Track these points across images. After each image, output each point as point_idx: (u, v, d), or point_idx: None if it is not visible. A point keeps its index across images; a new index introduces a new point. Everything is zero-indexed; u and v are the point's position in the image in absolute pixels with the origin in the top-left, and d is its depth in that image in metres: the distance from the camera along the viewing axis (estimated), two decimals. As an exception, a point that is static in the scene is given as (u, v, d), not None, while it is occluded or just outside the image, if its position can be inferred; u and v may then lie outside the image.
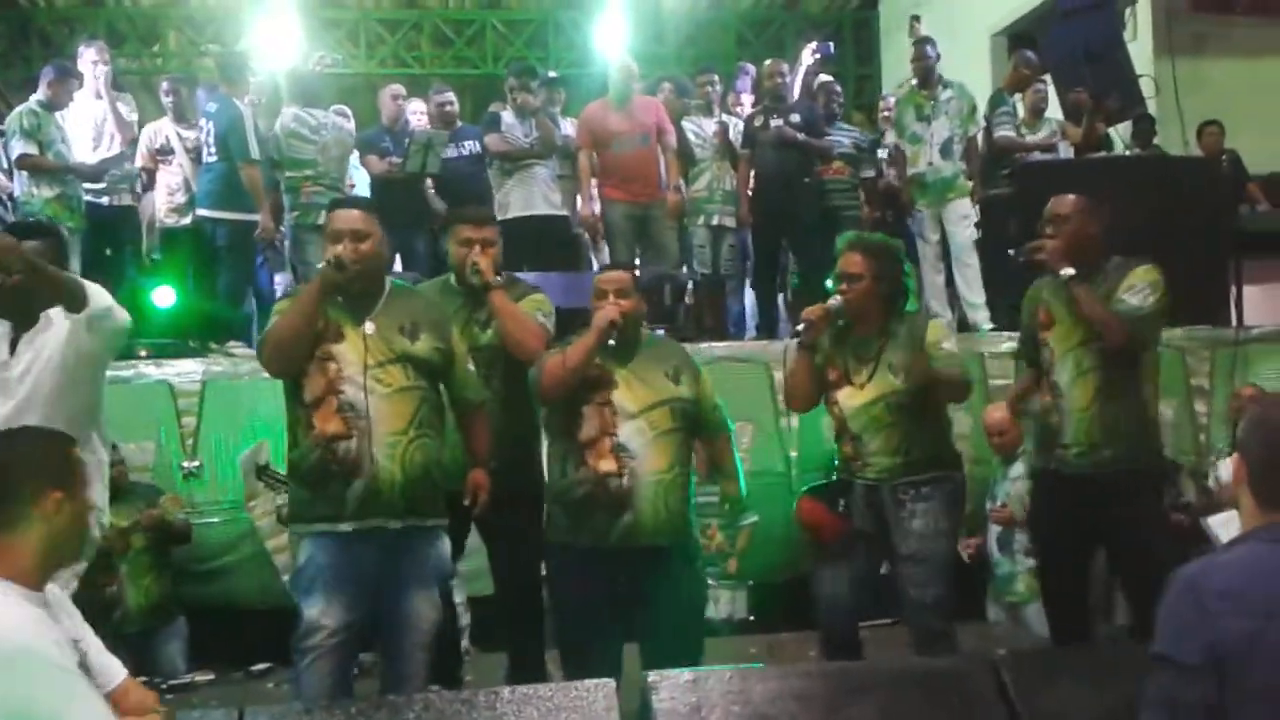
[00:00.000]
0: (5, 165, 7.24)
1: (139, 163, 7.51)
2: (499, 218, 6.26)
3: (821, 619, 4.20)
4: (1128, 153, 8.09)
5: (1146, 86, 8.15)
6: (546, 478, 4.03)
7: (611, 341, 3.76)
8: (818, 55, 8.35)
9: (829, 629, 4.18)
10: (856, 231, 4.60)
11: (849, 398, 4.07)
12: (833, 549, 4.11)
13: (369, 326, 3.64)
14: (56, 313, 3.53)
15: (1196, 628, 1.99)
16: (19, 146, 6.73)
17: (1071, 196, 4.22)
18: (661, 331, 5.72)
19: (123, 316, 3.65)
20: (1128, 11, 8.91)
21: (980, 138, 7.69)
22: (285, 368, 3.68)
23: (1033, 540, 4.93)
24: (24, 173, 6.83)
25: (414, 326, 3.71)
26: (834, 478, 4.30)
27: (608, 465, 3.73)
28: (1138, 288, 4.03)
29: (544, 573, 4.18)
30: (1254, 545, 2.08)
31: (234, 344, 6.65)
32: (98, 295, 3.50)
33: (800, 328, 4.03)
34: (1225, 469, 5.81)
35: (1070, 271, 4.05)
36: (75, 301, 3.44)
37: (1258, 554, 2.07)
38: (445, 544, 3.79)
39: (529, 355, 3.98)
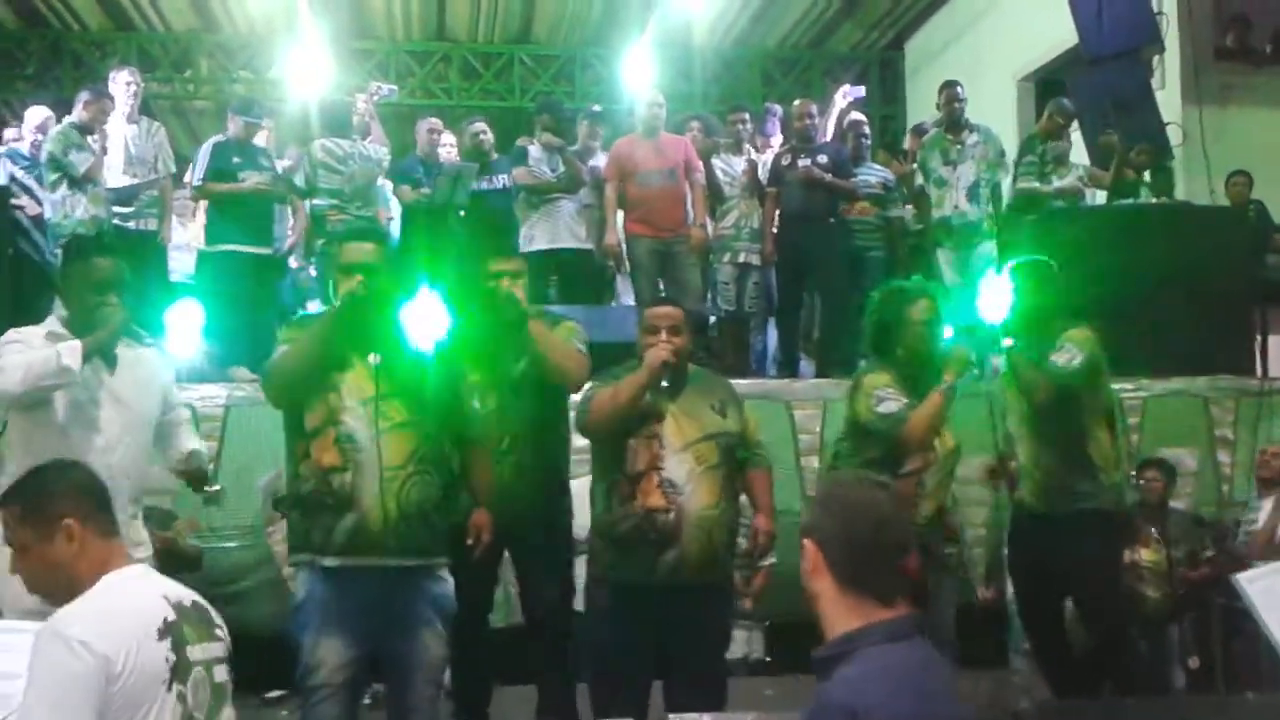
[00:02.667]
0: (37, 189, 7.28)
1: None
2: (524, 249, 6.25)
3: None
4: (1153, 201, 8.07)
5: (1173, 134, 8.14)
6: (590, 510, 3.95)
7: (664, 384, 3.71)
8: (849, 98, 8.37)
9: None
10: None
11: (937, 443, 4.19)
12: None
13: (374, 358, 3.56)
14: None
15: None
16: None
17: None
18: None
19: None
20: (1155, 60, 8.91)
21: (1005, 185, 7.69)
22: (289, 400, 3.61)
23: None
24: (58, 195, 6.84)
25: (421, 359, 3.65)
26: None
27: (655, 501, 3.68)
28: (1066, 349, 4.36)
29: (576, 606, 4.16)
30: (885, 651, 1.95)
31: (237, 369, 6.60)
32: None
33: (976, 372, 4.18)
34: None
35: (1008, 342, 4.45)
36: None
37: (898, 663, 1.95)
38: (447, 582, 3.68)
39: (572, 382, 3.96)
